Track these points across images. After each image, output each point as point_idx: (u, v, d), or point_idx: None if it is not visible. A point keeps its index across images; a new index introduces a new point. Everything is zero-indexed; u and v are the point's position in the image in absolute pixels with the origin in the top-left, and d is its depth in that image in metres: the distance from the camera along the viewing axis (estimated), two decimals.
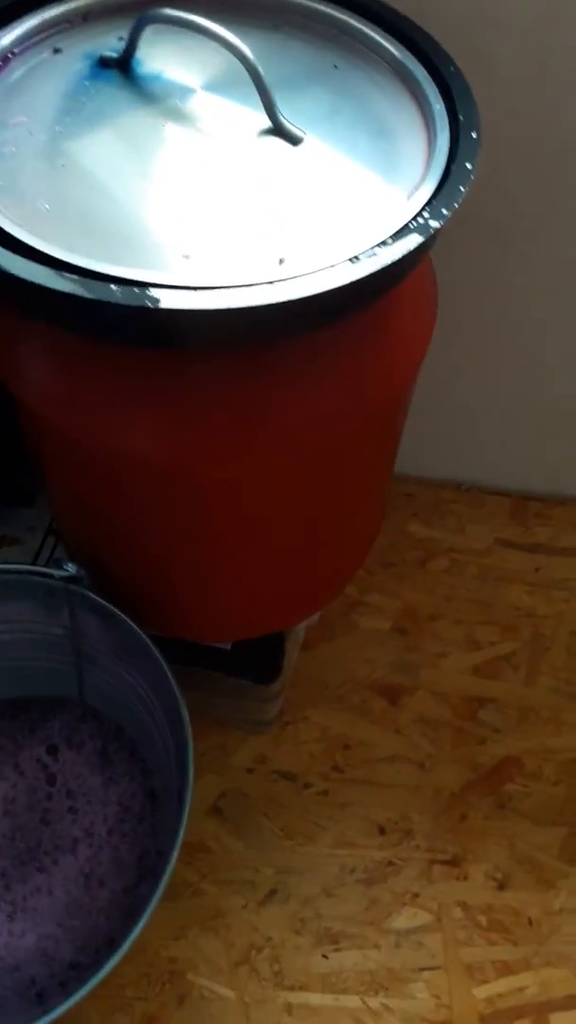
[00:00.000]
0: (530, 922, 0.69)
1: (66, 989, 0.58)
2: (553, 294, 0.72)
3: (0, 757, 0.66)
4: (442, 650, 0.82)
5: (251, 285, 0.36)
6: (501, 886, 0.70)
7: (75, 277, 0.35)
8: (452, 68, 0.44)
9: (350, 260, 0.36)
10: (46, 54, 0.46)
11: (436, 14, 0.55)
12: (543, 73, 0.57)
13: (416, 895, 0.69)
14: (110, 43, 0.46)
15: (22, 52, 0.45)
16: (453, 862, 0.71)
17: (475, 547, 0.88)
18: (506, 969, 0.67)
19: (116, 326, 0.37)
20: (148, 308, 0.34)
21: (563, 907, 0.69)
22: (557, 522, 0.90)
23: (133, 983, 0.64)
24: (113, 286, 0.35)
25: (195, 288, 0.35)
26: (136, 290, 0.35)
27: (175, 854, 0.48)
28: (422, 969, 0.66)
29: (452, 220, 0.65)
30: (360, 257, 0.36)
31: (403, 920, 0.68)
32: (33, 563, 0.71)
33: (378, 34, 0.46)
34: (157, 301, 0.34)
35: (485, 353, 0.78)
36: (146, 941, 0.66)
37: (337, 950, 0.67)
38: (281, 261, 0.37)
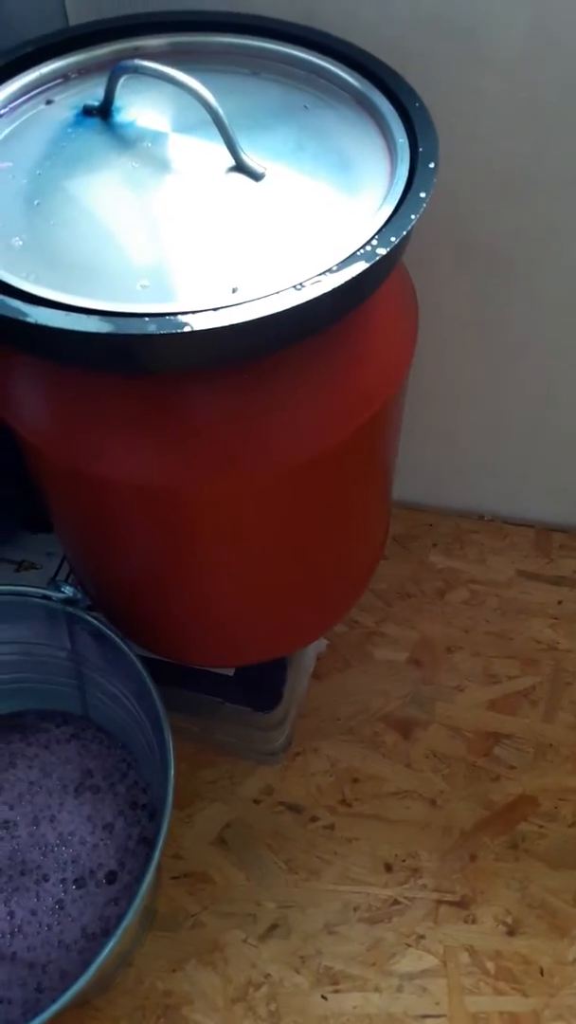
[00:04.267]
0: (541, 972, 0.66)
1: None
2: (559, 324, 0.71)
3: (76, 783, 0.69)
4: (459, 683, 0.80)
5: (197, 312, 0.37)
6: (511, 932, 0.67)
7: (28, 307, 0.37)
8: (417, 104, 0.45)
9: (295, 287, 0.37)
10: (41, 106, 0.49)
11: (423, 55, 0.56)
12: (533, 108, 0.58)
13: (421, 937, 0.67)
14: (98, 94, 0.49)
15: (16, 107, 0.49)
16: (462, 904, 0.69)
17: (496, 579, 0.87)
18: (514, 1021, 0.64)
19: (69, 351, 0.39)
20: (93, 334, 0.36)
21: None
22: None
23: (127, 1015, 0.64)
24: (65, 313, 0.37)
25: (143, 315, 0.37)
26: (85, 317, 0.36)
27: (148, 879, 0.48)
28: (425, 1016, 0.64)
29: (453, 250, 0.67)
30: (305, 284, 0.38)
31: (407, 963, 0.66)
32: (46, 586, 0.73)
33: (349, 75, 0.48)
34: (106, 327, 0.36)
35: (498, 381, 0.78)
36: (142, 973, 0.66)
37: (337, 991, 0.65)
38: (234, 290, 0.39)
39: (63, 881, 0.64)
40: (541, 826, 0.72)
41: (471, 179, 0.62)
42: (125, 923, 0.47)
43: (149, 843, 0.65)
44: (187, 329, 0.36)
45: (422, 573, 0.88)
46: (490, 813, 0.73)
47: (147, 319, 0.37)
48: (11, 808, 0.66)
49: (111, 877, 0.64)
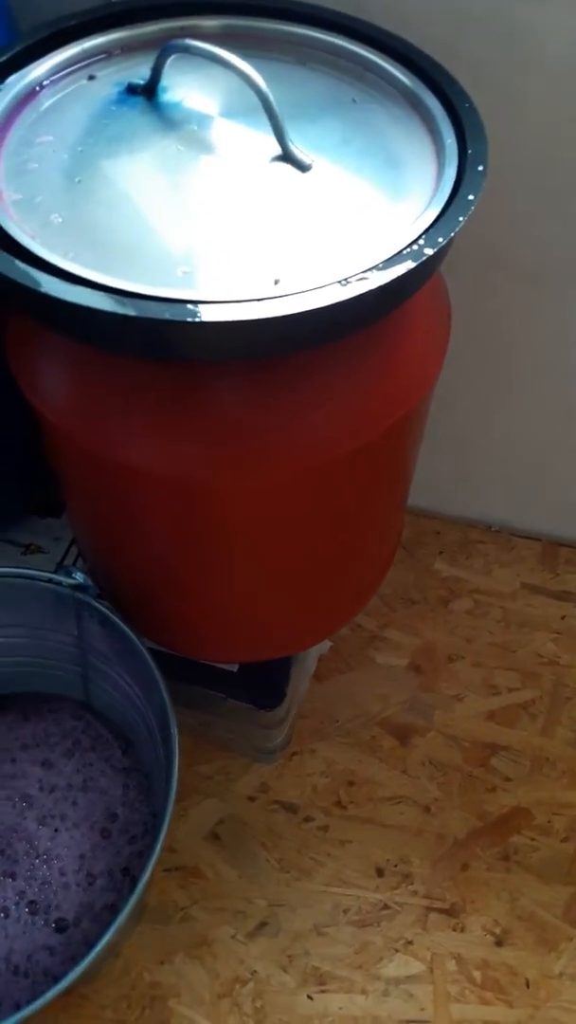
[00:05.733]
0: (527, 984, 0.66)
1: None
2: None
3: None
4: (458, 692, 0.80)
5: (239, 302, 0.36)
6: (499, 942, 0.67)
7: (64, 286, 0.36)
8: (467, 104, 0.45)
9: (340, 283, 0.37)
10: (83, 80, 0.49)
11: (469, 54, 0.56)
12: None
13: (409, 942, 0.67)
14: (142, 72, 0.48)
15: (58, 80, 0.48)
16: (451, 912, 0.69)
17: (501, 590, 0.87)
18: None
19: (105, 334, 0.38)
20: (128, 316, 0.35)
21: (563, 971, 0.66)
22: None
23: (113, 1004, 0.64)
24: (103, 295, 0.36)
25: (183, 301, 0.36)
26: (120, 299, 0.36)
27: (150, 867, 0.47)
28: (409, 1021, 0.64)
29: (482, 260, 0.66)
30: (350, 280, 0.37)
31: (394, 967, 0.66)
32: (55, 572, 0.72)
33: (399, 71, 0.47)
34: (144, 310, 0.35)
35: (520, 393, 0.77)
36: (130, 964, 0.65)
37: (323, 992, 0.65)
38: (276, 281, 0.38)
39: (22, 893, 0.61)
40: (534, 839, 0.72)
41: (507, 185, 0.61)
42: (118, 921, 0.46)
43: (113, 913, 0.61)
44: (229, 319, 0.36)
45: (427, 580, 0.87)
46: (484, 823, 0.73)
47: (186, 306, 0.36)
48: (40, 790, 0.65)
49: (61, 925, 0.60)
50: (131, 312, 0.36)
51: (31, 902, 0.61)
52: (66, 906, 0.61)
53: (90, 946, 0.57)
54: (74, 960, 0.58)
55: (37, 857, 0.63)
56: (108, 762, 0.66)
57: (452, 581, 0.87)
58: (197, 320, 0.35)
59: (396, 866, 0.71)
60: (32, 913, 0.61)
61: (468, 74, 0.50)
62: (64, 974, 0.55)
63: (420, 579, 0.87)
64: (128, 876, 0.63)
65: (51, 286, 0.37)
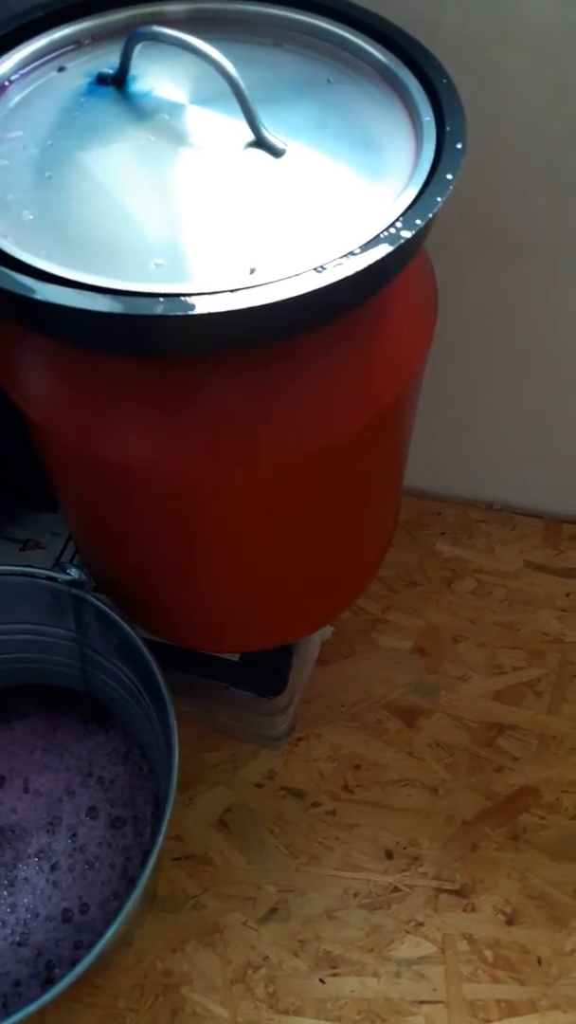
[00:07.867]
0: (539, 961, 0.66)
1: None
2: None
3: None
4: (463, 673, 0.80)
5: (214, 293, 0.36)
6: (510, 921, 0.67)
7: (37, 284, 0.36)
8: (445, 80, 0.44)
9: (315, 270, 0.36)
10: (52, 73, 0.48)
11: (450, 30, 0.54)
12: (562, 94, 0.56)
13: (420, 924, 0.67)
14: (112, 61, 0.47)
15: (27, 74, 0.47)
16: (461, 892, 0.69)
17: (504, 569, 0.86)
18: (511, 1009, 0.64)
19: (82, 332, 0.38)
20: (103, 314, 0.35)
21: (575, 948, 0.66)
22: None
23: (127, 993, 0.64)
24: (77, 292, 0.36)
25: (157, 295, 0.36)
26: (97, 296, 0.35)
27: (152, 860, 0.47)
28: (422, 1002, 0.64)
29: (473, 236, 0.65)
30: (326, 267, 0.36)
31: (405, 949, 0.66)
32: (52, 568, 0.72)
33: (375, 49, 0.46)
34: (115, 307, 0.35)
35: (516, 370, 0.76)
36: (142, 953, 0.66)
37: (335, 975, 0.65)
38: (252, 270, 0.38)
39: None
40: (543, 818, 0.72)
41: (493, 161, 0.60)
42: (124, 911, 0.46)
43: (15, 989, 0.58)
44: (203, 311, 0.35)
45: (429, 562, 0.87)
46: (492, 803, 0.73)
47: (161, 300, 0.36)
48: (68, 828, 0.63)
49: None
50: (105, 309, 0.35)
51: None
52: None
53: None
54: None
55: (5, 878, 0.62)
56: (127, 862, 0.64)
57: (454, 561, 0.87)
58: (173, 314, 0.35)
59: (405, 848, 0.71)
60: None
61: (447, 48, 0.49)
62: None
63: (422, 561, 0.87)
64: (49, 969, 0.59)
65: (23, 286, 0.36)
